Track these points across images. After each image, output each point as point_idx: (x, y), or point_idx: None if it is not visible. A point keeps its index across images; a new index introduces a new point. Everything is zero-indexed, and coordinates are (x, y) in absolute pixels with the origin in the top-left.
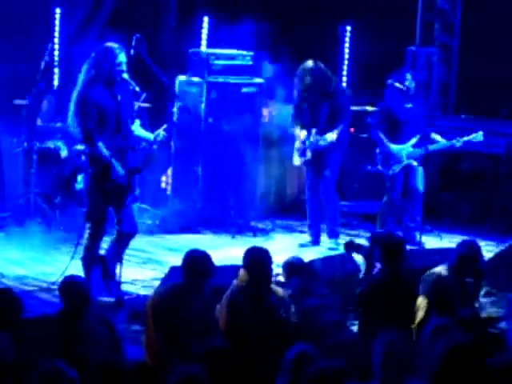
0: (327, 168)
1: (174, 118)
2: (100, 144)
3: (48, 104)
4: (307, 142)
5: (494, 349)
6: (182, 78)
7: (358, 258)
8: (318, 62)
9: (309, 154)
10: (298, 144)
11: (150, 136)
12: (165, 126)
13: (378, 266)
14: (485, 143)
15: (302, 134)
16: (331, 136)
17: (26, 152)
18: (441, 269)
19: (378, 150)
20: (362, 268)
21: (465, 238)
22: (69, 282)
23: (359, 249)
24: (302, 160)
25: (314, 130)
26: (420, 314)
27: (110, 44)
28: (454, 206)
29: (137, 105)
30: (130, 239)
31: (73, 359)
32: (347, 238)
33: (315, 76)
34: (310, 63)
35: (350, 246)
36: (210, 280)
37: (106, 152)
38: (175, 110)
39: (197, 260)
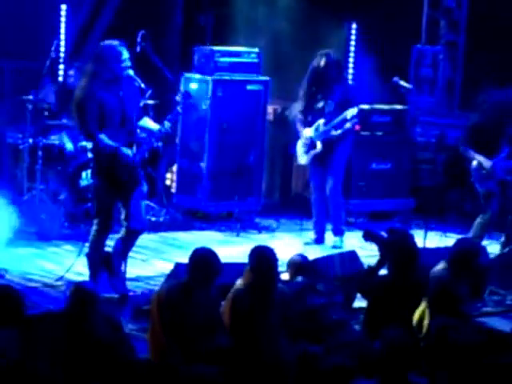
0: (333, 165)
1: (178, 108)
2: (102, 136)
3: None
4: (314, 133)
5: (498, 348)
6: (187, 75)
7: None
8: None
9: (319, 146)
10: (301, 143)
11: (156, 127)
12: (169, 116)
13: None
14: None
15: (307, 131)
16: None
17: (31, 148)
18: (441, 267)
19: (473, 166)
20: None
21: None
22: (78, 290)
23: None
24: (310, 155)
25: (322, 121)
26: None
27: (113, 40)
28: (460, 203)
29: (142, 102)
30: (137, 236)
31: (78, 359)
32: (352, 235)
33: (328, 60)
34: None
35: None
36: (216, 278)
37: (109, 142)
38: (178, 98)
39: (204, 258)
